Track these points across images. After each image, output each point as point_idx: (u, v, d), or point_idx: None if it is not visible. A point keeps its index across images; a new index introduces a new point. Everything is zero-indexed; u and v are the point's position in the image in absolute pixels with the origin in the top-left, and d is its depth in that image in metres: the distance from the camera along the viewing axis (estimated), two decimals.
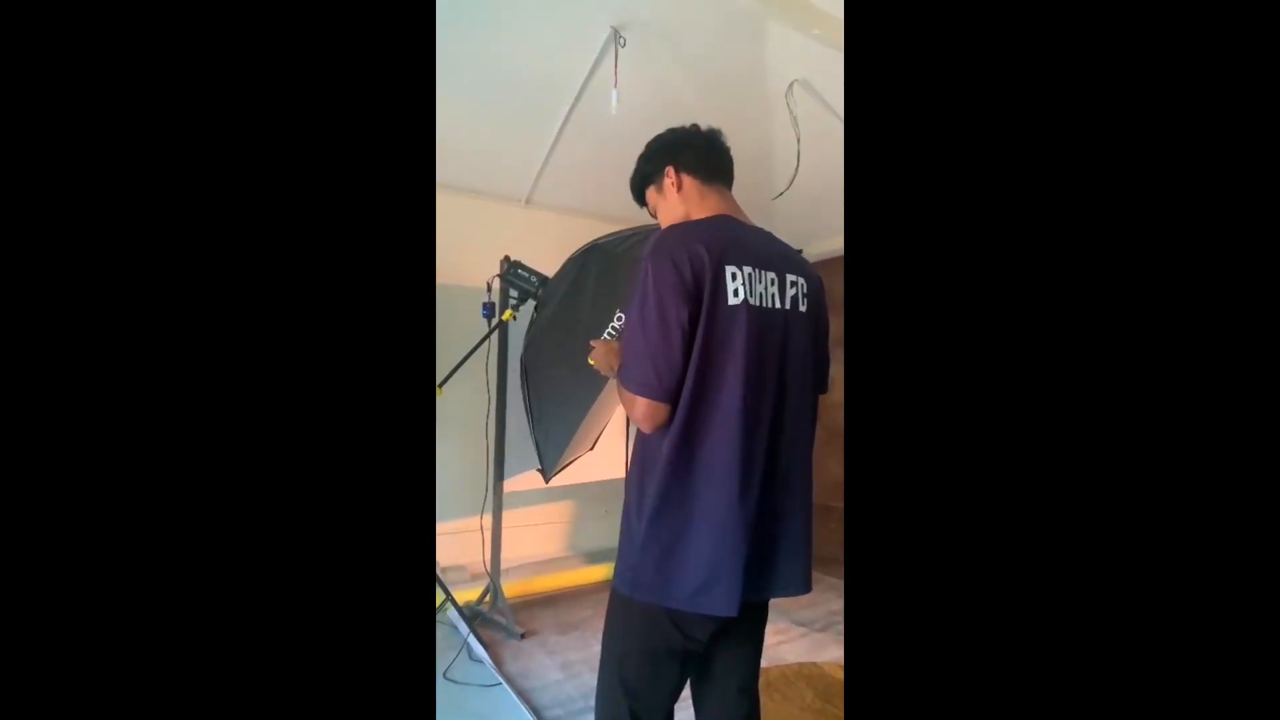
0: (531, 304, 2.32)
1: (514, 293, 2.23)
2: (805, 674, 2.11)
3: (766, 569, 1.00)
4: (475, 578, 2.79)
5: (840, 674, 2.10)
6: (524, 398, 2.44)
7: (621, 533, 1.03)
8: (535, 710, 1.85)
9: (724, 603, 0.94)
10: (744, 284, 0.95)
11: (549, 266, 2.31)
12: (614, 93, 2.14)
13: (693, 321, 0.92)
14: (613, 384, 1.25)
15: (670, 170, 1.11)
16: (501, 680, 2.00)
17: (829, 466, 3.03)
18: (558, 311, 2.35)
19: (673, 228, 1.04)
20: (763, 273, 0.99)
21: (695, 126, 1.14)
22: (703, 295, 0.93)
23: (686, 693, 1.11)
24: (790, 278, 1.03)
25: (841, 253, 3.16)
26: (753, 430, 0.96)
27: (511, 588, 2.70)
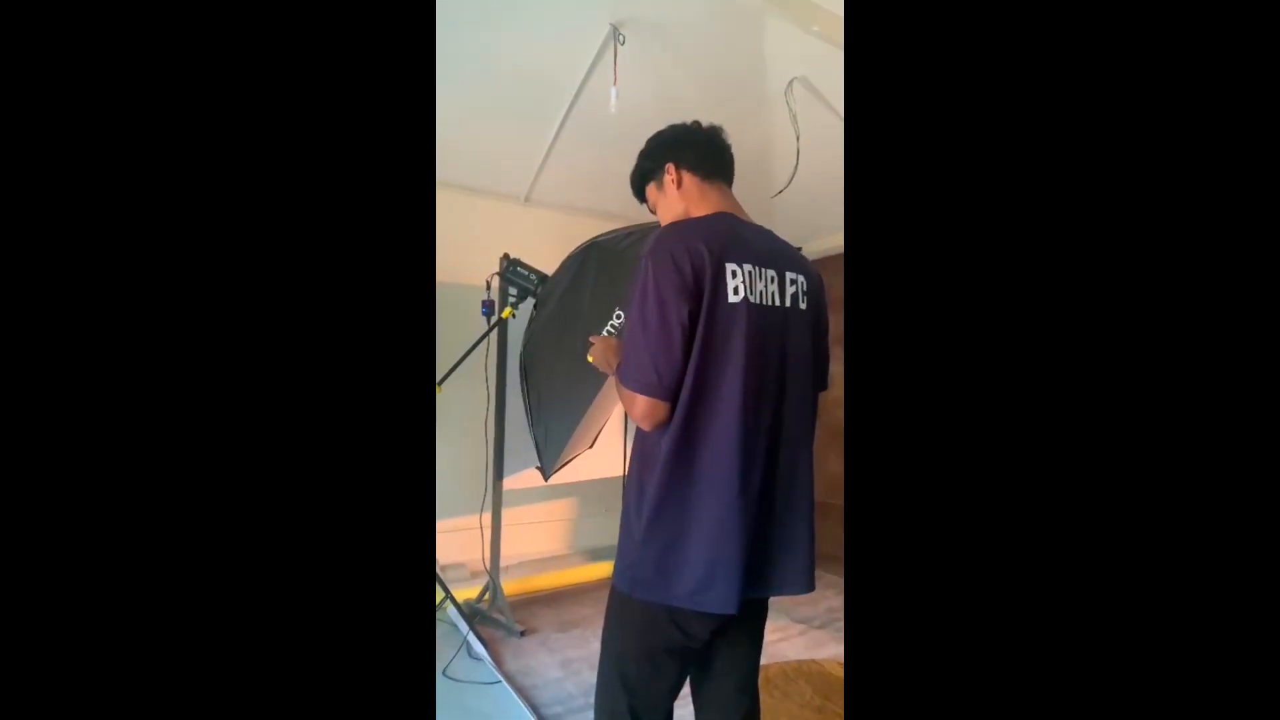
0: (531, 302, 2.32)
1: (513, 291, 2.23)
2: (805, 671, 2.11)
3: (767, 567, 1.00)
4: (475, 576, 2.80)
5: (839, 671, 2.11)
6: (523, 396, 2.44)
7: (621, 530, 1.03)
8: (535, 708, 1.86)
9: (724, 600, 0.94)
10: (744, 282, 0.95)
11: (548, 264, 2.31)
12: (613, 90, 2.14)
13: (693, 319, 0.92)
14: (612, 382, 1.25)
15: (671, 167, 1.10)
16: (501, 678, 2.01)
17: (829, 464, 3.04)
18: (557, 309, 2.35)
19: (673, 225, 1.04)
20: (763, 270, 0.99)
21: (696, 123, 1.14)
22: (703, 293, 0.93)
23: (686, 690, 1.11)
24: (790, 275, 1.03)
25: (841, 250, 3.16)
26: (753, 428, 0.96)
27: (511, 585, 2.70)
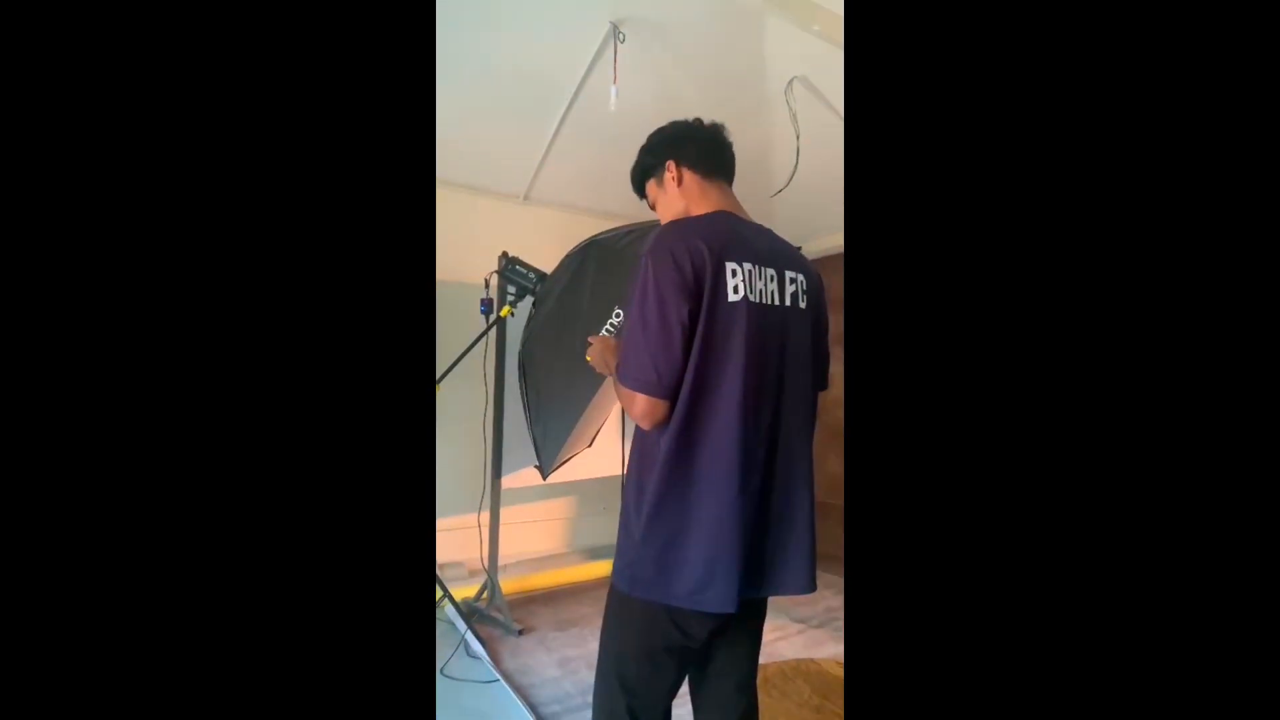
0: (530, 300, 2.32)
1: (512, 289, 2.23)
2: (803, 670, 2.11)
3: (766, 566, 1.00)
4: (473, 574, 2.80)
5: (838, 670, 2.11)
6: (522, 394, 2.44)
7: (620, 529, 1.03)
8: (532, 706, 1.86)
9: (723, 600, 0.94)
10: (744, 281, 0.95)
11: (547, 263, 2.31)
12: (613, 89, 2.14)
13: (692, 318, 0.92)
14: (610, 381, 1.24)
15: (671, 164, 1.10)
16: (499, 677, 2.01)
17: (829, 464, 3.04)
18: (556, 308, 2.35)
19: (673, 224, 1.04)
20: (763, 269, 0.99)
21: (698, 120, 1.13)
22: (703, 292, 0.92)
23: (685, 689, 1.11)
24: (790, 275, 1.03)
25: (841, 250, 3.16)
26: (752, 427, 0.96)
27: (509, 584, 2.70)
